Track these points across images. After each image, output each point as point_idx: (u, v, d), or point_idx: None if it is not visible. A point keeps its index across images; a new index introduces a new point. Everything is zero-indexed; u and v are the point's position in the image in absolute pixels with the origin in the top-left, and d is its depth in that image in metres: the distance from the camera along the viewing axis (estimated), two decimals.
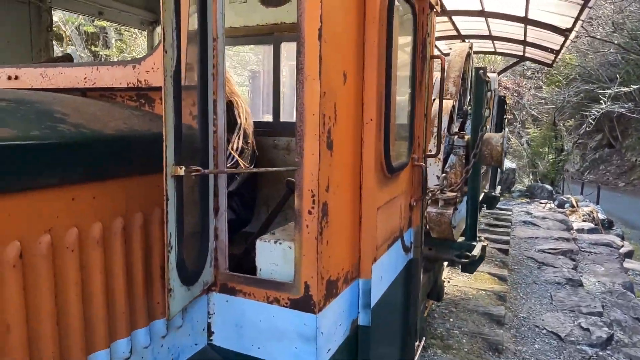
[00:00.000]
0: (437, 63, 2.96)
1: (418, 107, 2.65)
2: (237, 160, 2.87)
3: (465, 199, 5.45)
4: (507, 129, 7.24)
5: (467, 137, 5.15)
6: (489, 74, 5.32)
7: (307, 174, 1.51)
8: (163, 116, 1.27)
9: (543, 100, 21.60)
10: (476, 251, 5.03)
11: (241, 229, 3.15)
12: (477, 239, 5.34)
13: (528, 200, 16.37)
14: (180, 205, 1.35)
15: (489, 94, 5.33)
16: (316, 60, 1.46)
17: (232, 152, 2.88)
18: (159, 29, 3.98)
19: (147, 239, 1.44)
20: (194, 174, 1.34)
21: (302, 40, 1.46)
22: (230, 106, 2.94)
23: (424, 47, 2.70)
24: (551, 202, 15.42)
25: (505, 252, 9.35)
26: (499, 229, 10.57)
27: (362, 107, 1.87)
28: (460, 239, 5.33)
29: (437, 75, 3.96)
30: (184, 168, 1.32)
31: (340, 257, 1.76)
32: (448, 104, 4.89)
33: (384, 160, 2.03)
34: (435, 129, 3.65)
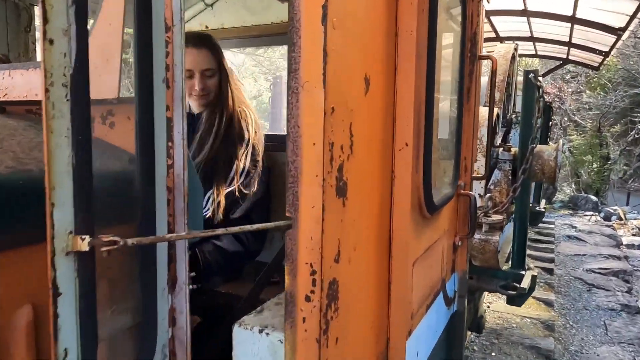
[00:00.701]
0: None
1: (466, 120, 2.05)
2: (249, 181, 2.34)
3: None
4: (562, 140, 6.50)
5: (514, 149, 4.49)
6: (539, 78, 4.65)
7: (303, 239, 0.94)
8: (44, 149, 0.73)
9: (586, 105, 20.39)
10: (525, 282, 4.35)
11: (248, 262, 2.62)
12: (526, 266, 4.66)
13: (571, 212, 15.27)
14: (88, 298, 0.81)
15: (540, 100, 4.66)
16: (318, 56, 0.90)
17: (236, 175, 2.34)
18: None
19: (40, 345, 0.90)
20: (107, 248, 0.79)
21: (295, 23, 0.89)
22: (238, 117, 2.41)
23: (473, 44, 2.10)
24: (596, 214, 14.33)
25: (550, 271, 8.51)
26: (542, 245, 9.69)
27: (392, 126, 1.29)
28: (505, 266, 4.67)
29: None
30: (88, 239, 0.77)
31: (358, 351, 1.19)
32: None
33: (424, 197, 1.45)
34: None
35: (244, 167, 2.35)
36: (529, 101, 4.42)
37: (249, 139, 2.38)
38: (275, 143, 3.10)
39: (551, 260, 8.84)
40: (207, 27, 3.37)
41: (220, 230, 0.98)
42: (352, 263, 1.08)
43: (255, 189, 2.42)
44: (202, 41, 2.34)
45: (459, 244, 2.22)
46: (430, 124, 1.37)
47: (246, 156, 2.37)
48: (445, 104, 1.89)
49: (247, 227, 1.04)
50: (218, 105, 2.33)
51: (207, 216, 2.25)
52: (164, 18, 1.01)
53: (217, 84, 2.34)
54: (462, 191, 2.12)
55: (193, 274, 2.31)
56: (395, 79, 1.27)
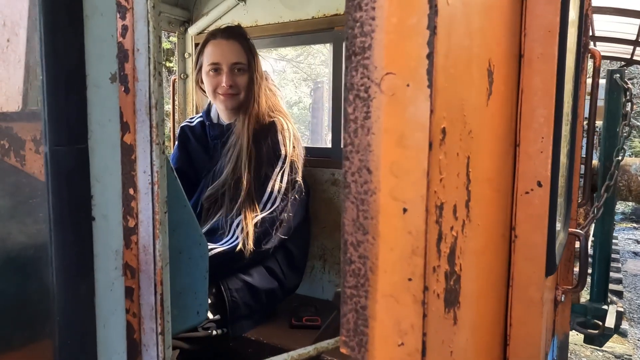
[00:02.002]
0: None
1: (577, 137, 1.48)
2: (285, 205, 1.89)
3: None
4: None
5: (594, 162, 3.81)
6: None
7: None
8: None
9: None
10: (610, 320, 3.65)
11: (285, 298, 2.16)
12: (609, 300, 3.94)
13: (634, 225, 13.98)
14: None
15: (628, 105, 3.94)
16: (420, 20, 0.40)
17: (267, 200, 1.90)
18: (192, 30, 3.10)
19: None
20: None
21: None
22: (272, 128, 1.96)
23: (584, 32, 1.53)
24: None
25: (619, 294, 7.60)
26: None
27: (514, 154, 0.77)
28: (583, 298, 3.97)
29: None
30: None
31: None
32: None
33: (546, 258, 0.92)
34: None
35: (279, 189, 1.91)
36: (613, 106, 3.73)
37: (285, 156, 1.93)
38: (316, 157, 2.63)
39: (618, 281, 7.90)
40: (239, 24, 2.96)
41: None
42: None
43: (292, 213, 1.97)
44: (232, 31, 1.96)
45: (562, 299, 1.65)
46: (574, 152, 0.83)
47: (282, 176, 1.94)
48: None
49: None
50: (249, 111, 1.91)
51: (238, 248, 1.83)
52: None
53: (248, 83, 1.92)
54: (569, 230, 1.55)
55: (217, 316, 1.89)
56: (519, 79, 0.74)
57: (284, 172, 1.93)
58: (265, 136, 1.92)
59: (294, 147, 1.97)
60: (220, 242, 1.81)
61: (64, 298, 0.49)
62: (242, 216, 1.86)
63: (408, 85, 0.41)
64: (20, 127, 0.62)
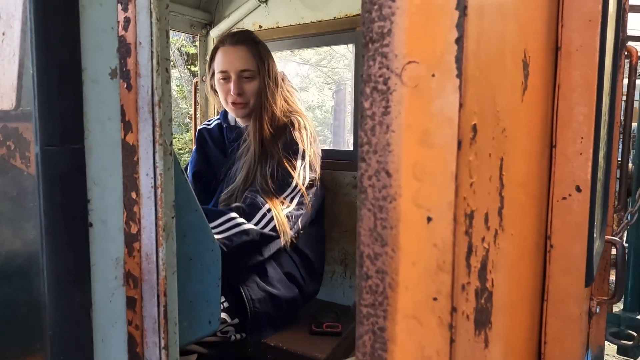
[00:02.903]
0: None
1: (614, 139, 1.39)
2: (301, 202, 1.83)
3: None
4: None
5: (630, 166, 3.65)
6: None
7: None
8: None
9: None
10: None
11: (305, 304, 2.11)
12: None
13: None
14: None
15: None
16: (447, 2, 0.34)
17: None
18: (213, 33, 3.10)
19: None
20: None
21: None
22: (288, 127, 1.91)
23: (622, 27, 1.44)
24: None
25: None
26: None
27: (550, 156, 0.70)
28: (616, 307, 3.80)
29: None
30: None
31: None
32: None
33: (586, 268, 0.85)
34: None
35: (303, 183, 1.85)
36: None
37: (304, 150, 1.87)
38: (338, 160, 2.59)
39: None
40: (260, 26, 2.93)
41: None
42: None
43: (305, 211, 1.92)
44: (239, 37, 1.90)
45: (597, 310, 1.55)
46: (610, 149, 0.76)
47: (304, 170, 1.87)
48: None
49: None
50: (261, 116, 1.87)
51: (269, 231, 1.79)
52: None
53: (257, 89, 1.88)
54: (606, 237, 1.46)
55: (236, 320, 1.85)
56: (556, 73, 0.68)
57: (305, 167, 1.86)
58: (282, 134, 1.87)
59: (310, 143, 1.92)
60: (252, 221, 1.74)
61: (56, 310, 0.45)
62: (269, 204, 1.79)
63: (433, 75, 0.35)
64: (25, 128, 0.59)
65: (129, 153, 0.54)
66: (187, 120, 10.03)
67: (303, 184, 1.82)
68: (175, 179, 0.66)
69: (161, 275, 0.56)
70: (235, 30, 2.31)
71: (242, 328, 1.83)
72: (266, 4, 2.89)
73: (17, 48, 0.47)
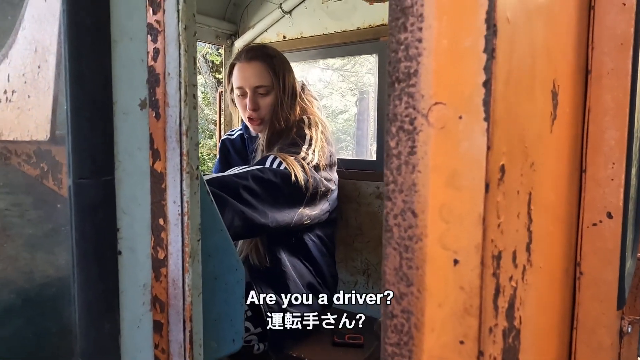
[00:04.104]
0: None
1: None
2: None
3: None
4: None
5: None
6: None
7: None
8: None
9: None
10: None
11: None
12: None
13: None
14: None
15: None
16: (476, 38, 0.34)
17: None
18: (238, 43, 3.14)
19: None
20: None
21: None
22: (300, 122, 1.89)
23: None
24: None
25: None
26: None
27: (579, 183, 0.68)
28: None
29: None
30: None
31: None
32: None
33: (618, 292, 0.82)
34: None
35: (309, 162, 1.76)
36: None
37: (311, 138, 1.82)
38: (361, 170, 2.60)
39: None
40: (284, 37, 2.96)
41: None
42: None
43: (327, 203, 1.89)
44: (254, 53, 1.90)
45: (629, 330, 1.50)
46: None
47: (313, 155, 1.79)
48: None
49: None
50: (274, 125, 1.87)
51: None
52: None
53: (272, 103, 1.88)
54: (638, 254, 1.41)
55: (259, 329, 1.86)
56: (587, 97, 0.66)
57: (314, 151, 1.80)
58: (291, 132, 1.86)
59: (322, 140, 1.87)
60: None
61: (87, 338, 0.46)
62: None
63: (461, 118, 0.35)
64: (58, 151, 0.61)
65: (157, 180, 0.55)
66: (212, 126, 10.17)
67: (308, 164, 1.72)
68: (201, 200, 0.66)
69: (187, 300, 0.57)
70: (251, 45, 2.32)
71: (265, 337, 1.84)
72: (290, 14, 2.92)
73: (51, 81, 0.49)
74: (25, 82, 0.53)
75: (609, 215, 0.67)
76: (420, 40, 0.36)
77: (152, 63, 0.54)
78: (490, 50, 0.34)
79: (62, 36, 0.43)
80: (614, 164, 0.66)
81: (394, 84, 0.38)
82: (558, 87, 0.52)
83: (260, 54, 1.91)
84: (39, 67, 0.51)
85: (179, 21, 0.52)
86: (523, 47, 0.40)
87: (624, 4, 0.64)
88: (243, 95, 1.91)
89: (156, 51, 0.54)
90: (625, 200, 0.67)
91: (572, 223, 0.68)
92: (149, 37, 0.53)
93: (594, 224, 0.68)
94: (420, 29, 0.36)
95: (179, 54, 0.53)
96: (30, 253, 0.54)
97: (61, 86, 0.48)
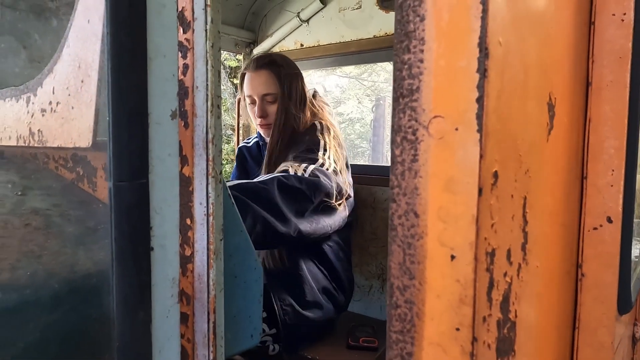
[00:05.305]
0: None
1: None
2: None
3: None
4: None
5: None
6: None
7: None
8: None
9: None
10: None
11: (338, 316, 2.13)
12: None
13: None
14: None
15: None
16: (469, 59, 0.39)
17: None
18: (257, 51, 3.21)
19: None
20: None
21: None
22: (312, 128, 1.92)
23: None
24: None
25: None
26: None
27: (580, 188, 0.72)
28: None
29: None
30: None
31: None
32: None
33: (617, 296, 0.85)
34: None
35: (327, 167, 1.79)
36: None
37: (325, 143, 1.85)
38: (377, 176, 2.64)
39: None
40: (302, 44, 3.02)
41: None
42: None
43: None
44: (262, 62, 1.95)
45: None
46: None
47: (328, 160, 1.83)
48: None
49: None
50: (281, 130, 1.90)
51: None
52: (177, 6, 0.57)
53: (279, 110, 1.92)
54: None
55: (274, 330, 1.90)
56: (587, 107, 0.70)
57: (329, 157, 1.80)
58: (304, 135, 1.89)
59: (335, 147, 1.90)
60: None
61: (123, 325, 0.52)
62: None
63: (457, 129, 0.40)
64: (93, 156, 0.67)
65: (185, 184, 0.61)
66: (229, 131, 10.28)
67: (327, 169, 1.71)
68: (224, 203, 0.72)
69: (211, 294, 0.62)
70: (260, 54, 2.38)
71: (279, 338, 1.87)
72: (308, 23, 2.98)
73: (94, 94, 0.55)
74: (69, 95, 0.59)
75: (609, 220, 0.70)
76: (421, 61, 0.41)
77: (182, 77, 0.60)
78: (482, 71, 0.38)
79: (104, 55, 0.49)
80: (613, 171, 0.69)
81: (399, 99, 0.43)
82: (555, 100, 0.57)
83: (267, 62, 1.95)
84: (82, 81, 0.57)
85: (206, 39, 0.58)
86: (515, 66, 0.44)
87: (622, 20, 0.68)
88: (253, 103, 1.97)
89: (185, 66, 0.60)
90: (626, 205, 0.70)
91: (573, 227, 0.71)
92: (180, 54, 0.59)
93: (595, 228, 0.71)
94: (422, 51, 0.41)
95: (207, 69, 0.58)
96: (71, 249, 0.60)
97: (103, 99, 0.54)
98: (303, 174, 1.64)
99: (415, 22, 0.41)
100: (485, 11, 0.38)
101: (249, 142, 2.36)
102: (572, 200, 0.69)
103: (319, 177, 1.66)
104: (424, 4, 0.40)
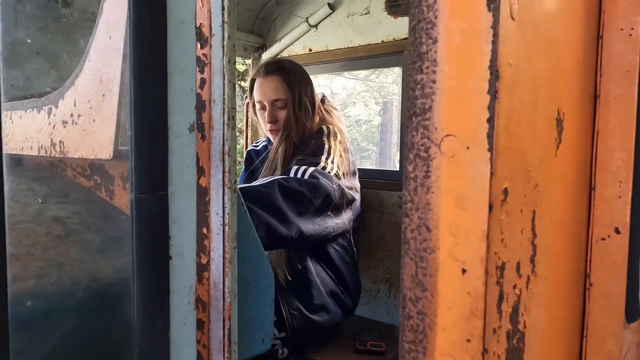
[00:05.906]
0: None
1: None
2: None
3: None
4: None
5: None
6: None
7: None
8: None
9: None
10: None
11: (345, 320, 2.14)
12: None
13: None
14: None
15: None
16: (480, 81, 0.40)
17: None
18: (265, 56, 3.24)
19: None
20: None
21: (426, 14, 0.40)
22: (318, 132, 1.94)
23: None
24: None
25: None
26: None
27: (588, 200, 0.73)
28: None
29: None
30: None
31: None
32: None
33: (625, 304, 0.86)
34: None
35: (330, 170, 1.81)
36: None
37: (330, 147, 1.87)
38: (384, 180, 2.65)
39: None
40: (310, 49, 3.04)
41: None
42: None
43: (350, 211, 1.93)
44: (271, 68, 1.97)
45: None
46: None
47: (332, 164, 1.84)
48: None
49: None
50: (290, 135, 1.92)
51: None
52: (195, 22, 0.59)
53: (288, 116, 1.94)
54: None
55: (283, 334, 1.91)
56: (595, 120, 0.71)
57: (332, 161, 1.83)
58: (310, 139, 1.91)
59: (340, 151, 1.91)
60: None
61: (143, 331, 0.54)
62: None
63: (468, 148, 0.41)
64: (111, 165, 0.69)
65: (202, 194, 0.63)
66: (237, 134, 10.29)
67: (329, 172, 1.74)
68: (237, 211, 0.74)
69: (227, 301, 0.64)
70: (269, 60, 2.40)
71: (288, 342, 1.88)
72: (316, 28, 3.00)
73: (115, 108, 0.57)
74: (91, 108, 0.61)
75: (617, 231, 0.71)
76: (434, 81, 0.43)
77: (199, 91, 0.62)
78: (493, 92, 0.40)
79: (127, 71, 0.51)
80: (621, 182, 0.70)
81: (412, 117, 0.45)
82: (563, 115, 0.58)
83: (276, 68, 1.97)
84: (103, 95, 0.59)
85: (223, 55, 0.60)
86: (525, 85, 0.46)
87: (630, 35, 0.69)
88: (263, 108, 2.00)
89: (203, 81, 0.62)
90: (634, 217, 0.71)
91: (582, 236, 0.72)
92: (197, 68, 0.61)
93: (603, 239, 0.72)
94: (434, 72, 0.43)
95: (224, 83, 0.60)
96: (91, 257, 0.62)
97: (124, 112, 0.56)
98: (302, 176, 1.66)
99: (427, 44, 0.43)
100: (495, 35, 0.39)
101: (257, 146, 2.38)
102: (580, 212, 0.70)
103: (318, 179, 1.68)
104: (436, 27, 0.42)
